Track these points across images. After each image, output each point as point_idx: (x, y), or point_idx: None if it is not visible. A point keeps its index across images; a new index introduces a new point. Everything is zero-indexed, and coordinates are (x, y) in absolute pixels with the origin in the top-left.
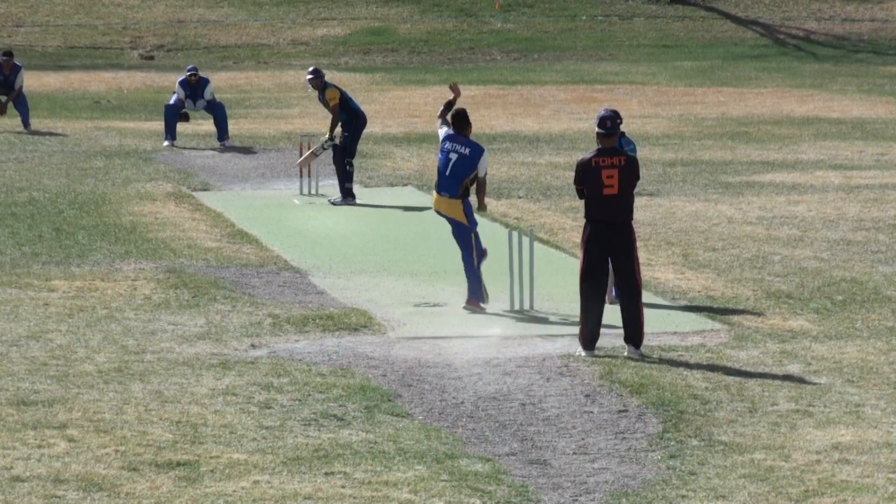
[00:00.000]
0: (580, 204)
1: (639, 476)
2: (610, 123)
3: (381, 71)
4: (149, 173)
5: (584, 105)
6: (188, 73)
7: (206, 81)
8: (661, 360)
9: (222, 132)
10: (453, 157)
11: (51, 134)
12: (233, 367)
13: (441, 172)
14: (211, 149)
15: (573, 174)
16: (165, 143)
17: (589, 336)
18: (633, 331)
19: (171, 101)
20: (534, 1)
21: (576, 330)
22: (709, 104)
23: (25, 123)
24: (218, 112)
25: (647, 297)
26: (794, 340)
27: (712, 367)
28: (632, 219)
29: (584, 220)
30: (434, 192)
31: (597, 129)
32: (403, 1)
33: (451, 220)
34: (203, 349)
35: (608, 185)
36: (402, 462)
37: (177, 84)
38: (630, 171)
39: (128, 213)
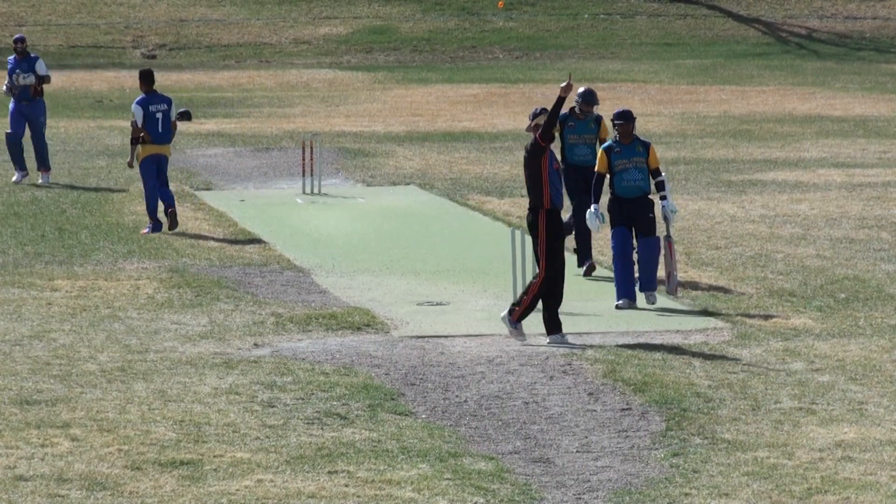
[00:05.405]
0: None
1: (642, 474)
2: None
3: (384, 70)
4: None
5: None
6: (14, 42)
7: (36, 58)
8: (664, 359)
9: (41, 160)
10: (159, 115)
11: (53, 133)
12: (236, 367)
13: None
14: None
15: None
16: (15, 179)
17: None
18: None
19: (9, 127)
20: None
21: (579, 328)
22: (711, 102)
23: None
24: (36, 133)
25: None
26: (796, 338)
27: (715, 365)
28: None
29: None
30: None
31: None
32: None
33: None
34: (206, 348)
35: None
36: (405, 461)
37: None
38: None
39: (130, 212)
